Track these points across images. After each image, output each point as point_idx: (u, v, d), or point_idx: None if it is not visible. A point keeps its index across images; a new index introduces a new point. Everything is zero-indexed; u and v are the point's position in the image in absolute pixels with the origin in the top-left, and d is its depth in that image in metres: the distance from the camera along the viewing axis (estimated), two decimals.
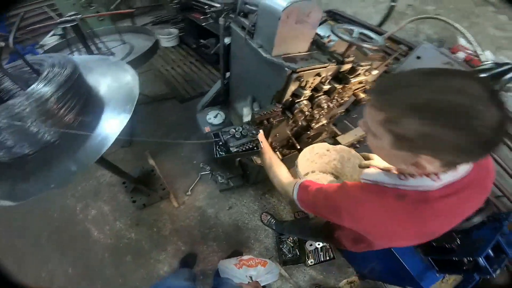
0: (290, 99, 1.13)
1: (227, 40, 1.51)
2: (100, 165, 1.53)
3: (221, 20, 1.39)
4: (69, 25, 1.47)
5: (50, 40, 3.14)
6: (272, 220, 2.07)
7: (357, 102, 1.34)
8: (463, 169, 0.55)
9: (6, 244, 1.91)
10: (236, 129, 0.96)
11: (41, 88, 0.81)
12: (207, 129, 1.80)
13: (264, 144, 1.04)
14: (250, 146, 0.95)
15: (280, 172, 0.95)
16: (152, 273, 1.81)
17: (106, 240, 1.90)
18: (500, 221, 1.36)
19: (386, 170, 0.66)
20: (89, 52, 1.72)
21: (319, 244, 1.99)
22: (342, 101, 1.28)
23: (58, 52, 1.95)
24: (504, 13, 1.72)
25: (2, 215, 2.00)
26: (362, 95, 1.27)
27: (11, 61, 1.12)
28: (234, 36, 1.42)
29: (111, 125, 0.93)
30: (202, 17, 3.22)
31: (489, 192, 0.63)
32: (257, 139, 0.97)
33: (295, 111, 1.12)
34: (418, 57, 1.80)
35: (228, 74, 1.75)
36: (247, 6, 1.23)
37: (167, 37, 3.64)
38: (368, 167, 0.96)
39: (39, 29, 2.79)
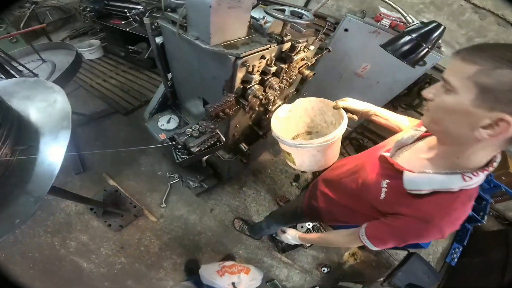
0: (241, 87, 1.11)
1: (158, 40, 1.40)
2: (60, 197, 1.41)
3: (146, 20, 1.28)
4: None
5: None
6: (245, 226, 2.00)
7: (303, 80, 1.39)
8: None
9: None
10: (193, 128, 0.91)
11: None
12: (162, 136, 1.67)
13: (300, 235, 1.14)
14: (212, 142, 0.91)
15: (334, 237, 0.97)
16: None
17: (99, 270, 1.75)
18: None
19: (437, 173, 0.61)
20: (9, 77, 1.48)
21: (309, 224, 1.96)
22: (291, 80, 1.32)
23: None
24: None
25: None
26: (306, 72, 1.33)
27: None
28: (165, 34, 1.32)
29: (54, 146, 0.84)
30: (123, 22, 2.97)
31: None
32: (218, 133, 0.93)
33: (249, 97, 1.11)
34: (346, 30, 1.95)
35: (170, 75, 1.63)
36: (173, 0, 1.15)
37: (89, 49, 3.32)
38: (341, 107, 1.00)
39: None
